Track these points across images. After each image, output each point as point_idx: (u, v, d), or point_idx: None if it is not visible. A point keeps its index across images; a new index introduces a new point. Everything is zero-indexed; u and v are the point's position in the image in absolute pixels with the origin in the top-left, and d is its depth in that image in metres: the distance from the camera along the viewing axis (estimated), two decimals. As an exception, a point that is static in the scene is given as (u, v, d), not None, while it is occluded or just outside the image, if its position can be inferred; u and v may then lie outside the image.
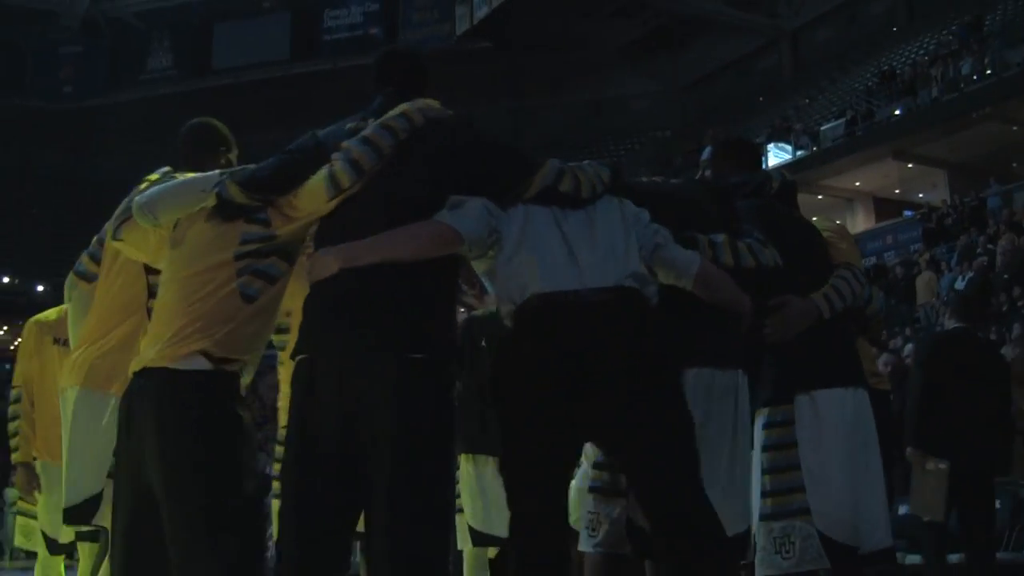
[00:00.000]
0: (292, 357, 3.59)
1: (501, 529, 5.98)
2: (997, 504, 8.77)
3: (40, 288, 45.17)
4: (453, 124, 3.79)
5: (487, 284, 3.99)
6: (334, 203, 3.58)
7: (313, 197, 3.60)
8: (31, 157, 52.15)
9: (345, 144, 3.63)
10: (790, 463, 4.35)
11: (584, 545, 4.11)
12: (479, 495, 6.28)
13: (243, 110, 51.63)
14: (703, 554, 3.52)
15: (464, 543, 6.41)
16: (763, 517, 4.37)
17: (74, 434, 4.79)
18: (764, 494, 4.39)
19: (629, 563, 4.03)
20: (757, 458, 4.44)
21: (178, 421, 3.49)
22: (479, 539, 6.32)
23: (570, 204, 3.83)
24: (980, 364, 7.61)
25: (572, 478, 3.75)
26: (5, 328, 48.28)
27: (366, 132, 3.65)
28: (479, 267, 3.89)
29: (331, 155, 3.63)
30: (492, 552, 6.53)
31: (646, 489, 3.62)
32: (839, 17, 43.28)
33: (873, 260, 25.24)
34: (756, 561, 4.37)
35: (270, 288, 3.70)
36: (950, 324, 8.06)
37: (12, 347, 48.56)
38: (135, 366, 3.66)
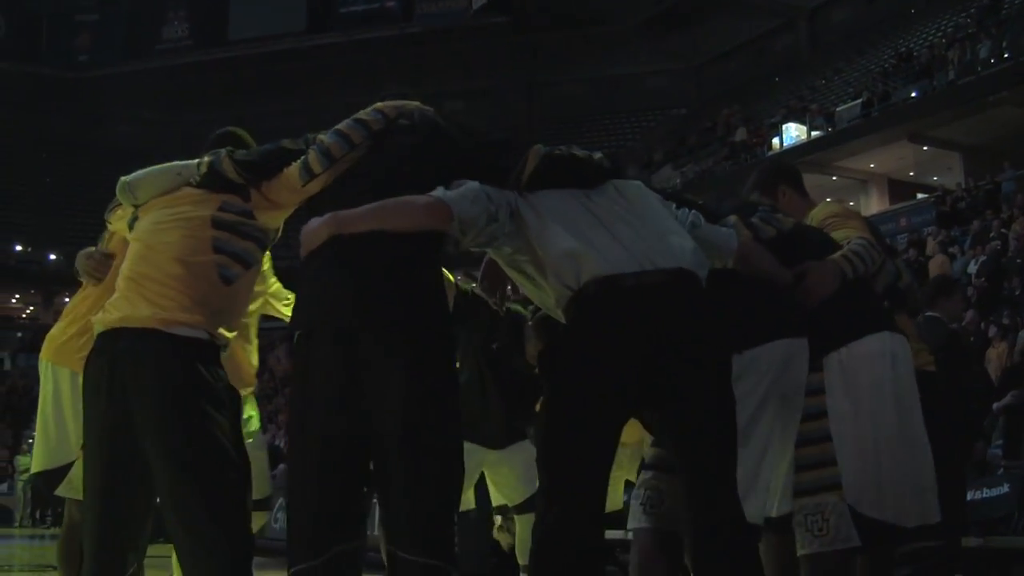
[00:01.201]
0: (290, 332, 3.65)
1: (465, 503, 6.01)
2: (1006, 487, 8.79)
3: (52, 257, 45.34)
4: (429, 117, 3.94)
5: (518, 279, 3.97)
6: (309, 187, 3.75)
7: (288, 183, 3.78)
8: (45, 125, 52.19)
9: (320, 136, 3.81)
10: (820, 435, 4.22)
11: (637, 522, 4.07)
12: None
13: (258, 81, 51.84)
14: (737, 553, 3.54)
15: None
16: (797, 493, 4.25)
17: (45, 405, 4.97)
18: (798, 468, 4.26)
19: (676, 539, 4.01)
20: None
21: (182, 388, 3.54)
22: None
23: (577, 174, 3.85)
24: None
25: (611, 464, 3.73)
26: (17, 296, 48.48)
27: (340, 125, 3.83)
28: (501, 262, 3.92)
29: None
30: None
31: (689, 476, 3.60)
32: (857, -3, 43.17)
33: (892, 240, 25.16)
34: (796, 541, 4.25)
35: (245, 273, 3.85)
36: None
37: (24, 315, 48.86)
38: (110, 324, 3.68)
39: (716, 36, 47.36)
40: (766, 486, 4.07)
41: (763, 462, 4.00)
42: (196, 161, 3.94)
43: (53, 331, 5.07)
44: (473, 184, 3.66)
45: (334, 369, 3.46)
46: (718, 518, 3.53)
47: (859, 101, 32.21)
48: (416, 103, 3.98)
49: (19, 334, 45.24)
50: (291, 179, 3.76)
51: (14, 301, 48.87)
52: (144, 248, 3.82)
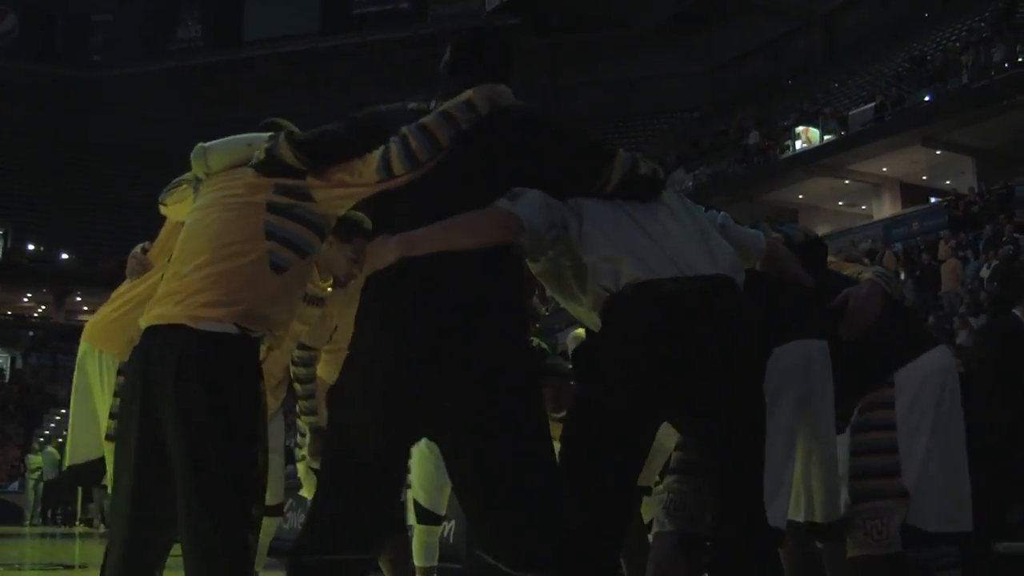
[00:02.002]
0: (349, 348, 3.58)
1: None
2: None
3: (65, 256, 45.44)
4: (524, 115, 3.70)
5: (552, 286, 3.91)
6: (384, 185, 3.53)
7: (364, 175, 3.57)
8: (59, 124, 52.34)
9: (404, 129, 3.50)
10: (888, 445, 4.25)
11: (660, 526, 4.05)
12: (431, 474, 6.19)
13: (272, 82, 51.91)
14: (757, 559, 3.55)
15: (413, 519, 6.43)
16: (856, 499, 4.27)
17: (81, 393, 4.95)
18: (855, 476, 4.30)
19: (699, 542, 4.00)
20: (846, 440, 4.39)
21: (201, 385, 3.45)
22: (424, 517, 6.32)
23: (648, 192, 3.77)
24: None
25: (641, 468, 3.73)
26: (29, 295, 48.58)
27: (427, 120, 3.52)
28: (536, 268, 3.84)
29: (390, 135, 3.54)
30: None
31: (719, 483, 3.60)
32: (872, 1, 43.07)
33: (904, 244, 25.19)
34: (848, 543, 4.28)
35: (299, 261, 3.66)
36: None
37: (36, 314, 48.96)
38: (151, 320, 3.62)
39: (731, 39, 47.35)
40: (789, 490, 4.07)
41: (787, 465, 4.00)
42: (268, 135, 3.81)
43: (96, 315, 5.07)
44: (535, 192, 3.54)
45: (393, 389, 3.37)
46: (743, 524, 3.54)
47: (872, 105, 32.19)
48: (510, 96, 3.67)
49: (31, 333, 45.33)
50: (367, 172, 3.54)
51: (26, 300, 48.96)
52: (188, 237, 3.74)
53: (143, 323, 3.66)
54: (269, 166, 3.67)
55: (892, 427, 4.27)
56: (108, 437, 4.72)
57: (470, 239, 3.42)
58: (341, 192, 3.65)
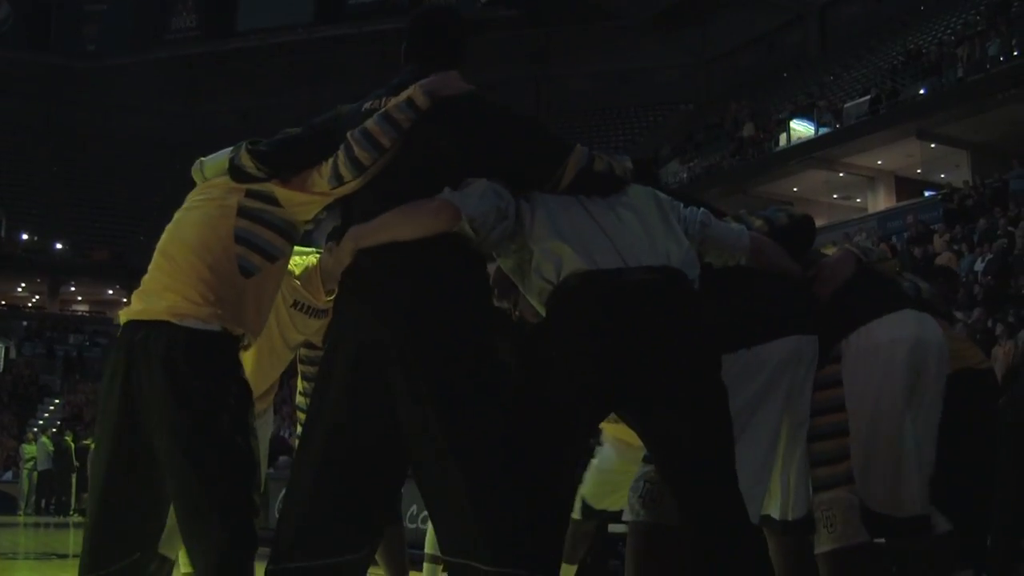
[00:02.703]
0: (322, 345, 3.64)
1: None
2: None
3: (59, 246, 45.36)
4: (473, 103, 3.70)
5: (519, 282, 3.88)
6: (340, 190, 3.62)
7: (318, 184, 3.68)
8: (53, 114, 52.26)
9: (350, 135, 3.56)
10: (837, 429, 4.14)
11: (634, 515, 3.99)
12: None
13: (267, 73, 51.81)
14: (733, 549, 3.50)
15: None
16: (814, 489, 4.19)
17: None
18: (811, 464, 4.19)
19: (675, 534, 3.97)
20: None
21: (189, 381, 3.51)
22: None
23: (607, 188, 3.75)
24: None
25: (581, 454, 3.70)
26: (23, 285, 48.50)
27: (369, 124, 3.56)
28: (506, 264, 3.83)
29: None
30: None
31: (674, 474, 3.57)
32: (867, -6, 43.10)
33: (898, 237, 25.19)
34: (815, 539, 4.20)
35: (268, 266, 3.77)
36: None
37: (30, 304, 48.89)
38: (133, 315, 3.68)
39: (725, 31, 47.30)
40: (766, 486, 4.03)
41: (768, 461, 3.97)
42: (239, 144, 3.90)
43: None
44: (482, 181, 3.55)
45: (355, 384, 3.41)
46: (718, 521, 3.50)
47: (867, 98, 32.09)
48: (458, 81, 3.68)
49: (25, 323, 45.29)
50: (321, 182, 3.65)
51: (20, 290, 48.92)
52: (168, 237, 3.81)
53: (123, 316, 3.73)
54: (234, 175, 3.78)
55: (840, 409, 4.15)
56: None
57: (408, 230, 3.46)
58: (301, 199, 3.77)
